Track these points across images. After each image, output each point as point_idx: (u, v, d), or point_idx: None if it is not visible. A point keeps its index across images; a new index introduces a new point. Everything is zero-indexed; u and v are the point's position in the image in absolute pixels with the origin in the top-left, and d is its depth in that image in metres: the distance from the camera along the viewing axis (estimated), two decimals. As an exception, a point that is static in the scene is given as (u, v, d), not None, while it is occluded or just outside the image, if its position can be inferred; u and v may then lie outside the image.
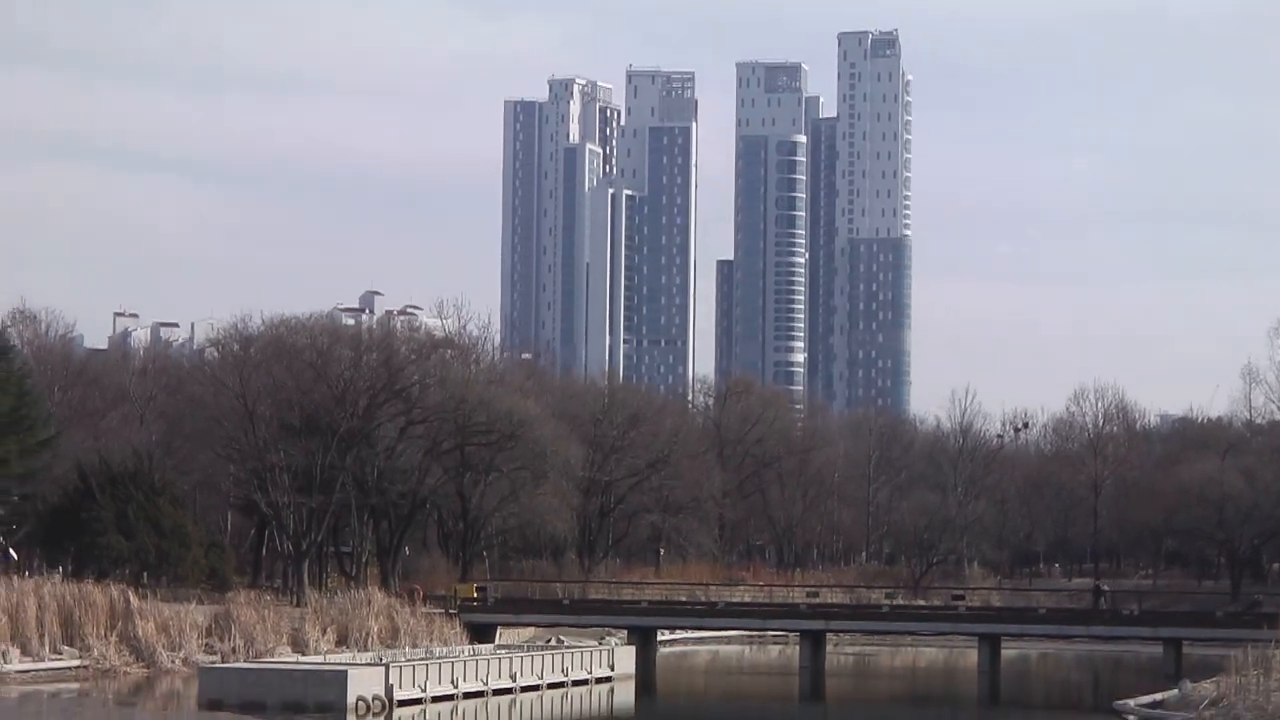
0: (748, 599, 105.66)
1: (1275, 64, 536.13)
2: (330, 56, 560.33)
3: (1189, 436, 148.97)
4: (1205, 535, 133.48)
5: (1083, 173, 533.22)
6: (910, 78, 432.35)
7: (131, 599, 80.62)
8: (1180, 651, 78.80)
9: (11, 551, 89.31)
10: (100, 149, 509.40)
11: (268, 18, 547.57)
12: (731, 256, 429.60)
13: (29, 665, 73.70)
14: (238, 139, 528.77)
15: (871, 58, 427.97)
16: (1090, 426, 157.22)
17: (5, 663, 72.90)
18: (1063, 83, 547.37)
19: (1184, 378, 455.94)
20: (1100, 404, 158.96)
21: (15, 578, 79.07)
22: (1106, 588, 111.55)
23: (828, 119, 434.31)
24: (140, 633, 78.87)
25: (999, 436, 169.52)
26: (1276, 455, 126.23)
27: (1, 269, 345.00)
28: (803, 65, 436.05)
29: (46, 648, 75.75)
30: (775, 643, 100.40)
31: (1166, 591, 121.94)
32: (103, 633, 77.88)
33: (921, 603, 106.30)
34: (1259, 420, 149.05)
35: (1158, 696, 65.36)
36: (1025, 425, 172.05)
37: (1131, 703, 64.40)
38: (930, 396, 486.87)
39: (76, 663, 75.38)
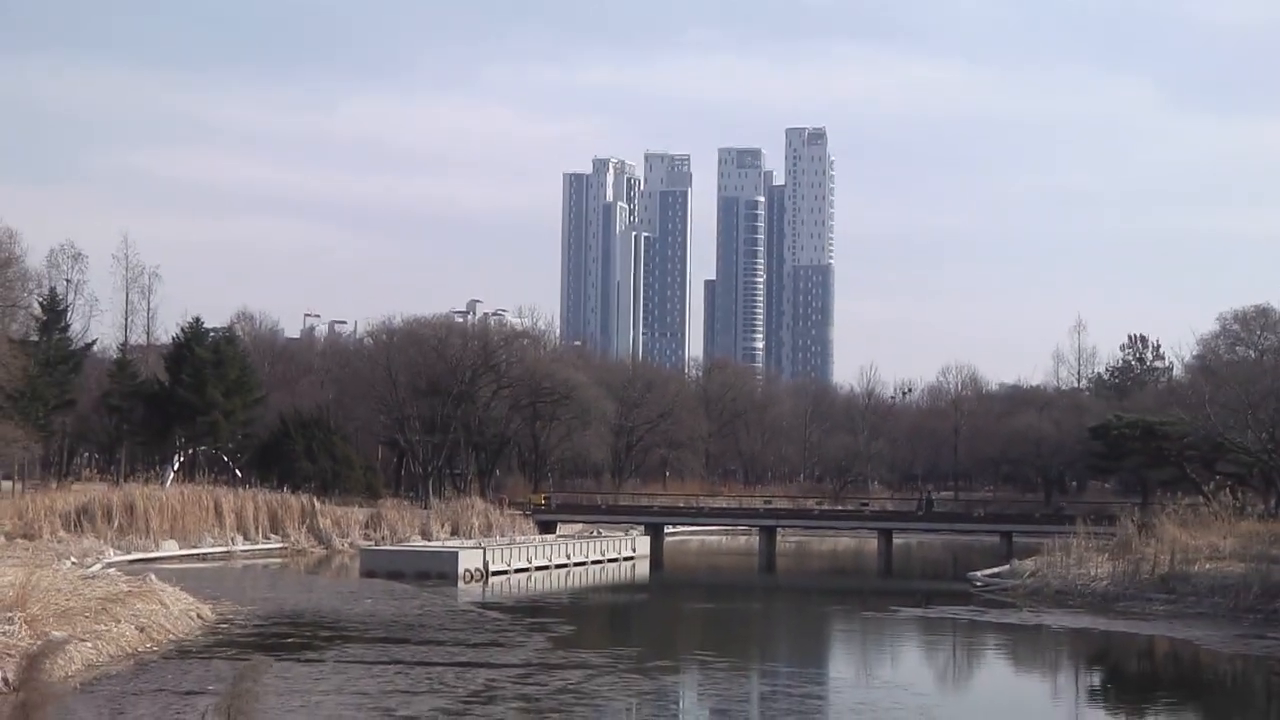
0: (724, 505, 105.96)
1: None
2: (446, 142, 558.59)
3: (1017, 398, 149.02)
4: (1028, 463, 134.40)
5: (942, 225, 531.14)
6: (834, 158, 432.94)
7: (315, 503, 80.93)
8: (1011, 540, 78.86)
9: (238, 472, 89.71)
10: (293, 203, 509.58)
11: (403, 114, 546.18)
12: (715, 277, 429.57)
13: (248, 546, 74.17)
14: (381, 197, 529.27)
15: (808, 144, 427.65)
16: (953, 390, 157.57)
17: (233, 544, 73.40)
18: (952, 156, 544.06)
19: (1016, 357, 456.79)
20: (959, 376, 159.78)
21: (240, 489, 79.44)
22: (933, 495, 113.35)
23: (779, 185, 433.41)
24: (321, 525, 79.22)
25: (892, 397, 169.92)
26: (1073, 410, 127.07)
27: (229, 287, 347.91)
28: (762, 149, 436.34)
29: (260, 535, 76.17)
30: (742, 534, 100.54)
31: (1002, 500, 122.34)
32: (296, 525, 78.24)
33: (840, 507, 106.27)
34: (1063, 387, 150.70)
35: (996, 570, 65.54)
36: (909, 390, 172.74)
37: (978, 574, 64.56)
38: (846, 371, 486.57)
39: (279, 545, 75.79)
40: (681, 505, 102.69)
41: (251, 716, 5.89)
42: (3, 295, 68.39)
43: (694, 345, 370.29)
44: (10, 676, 25.95)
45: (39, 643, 27.77)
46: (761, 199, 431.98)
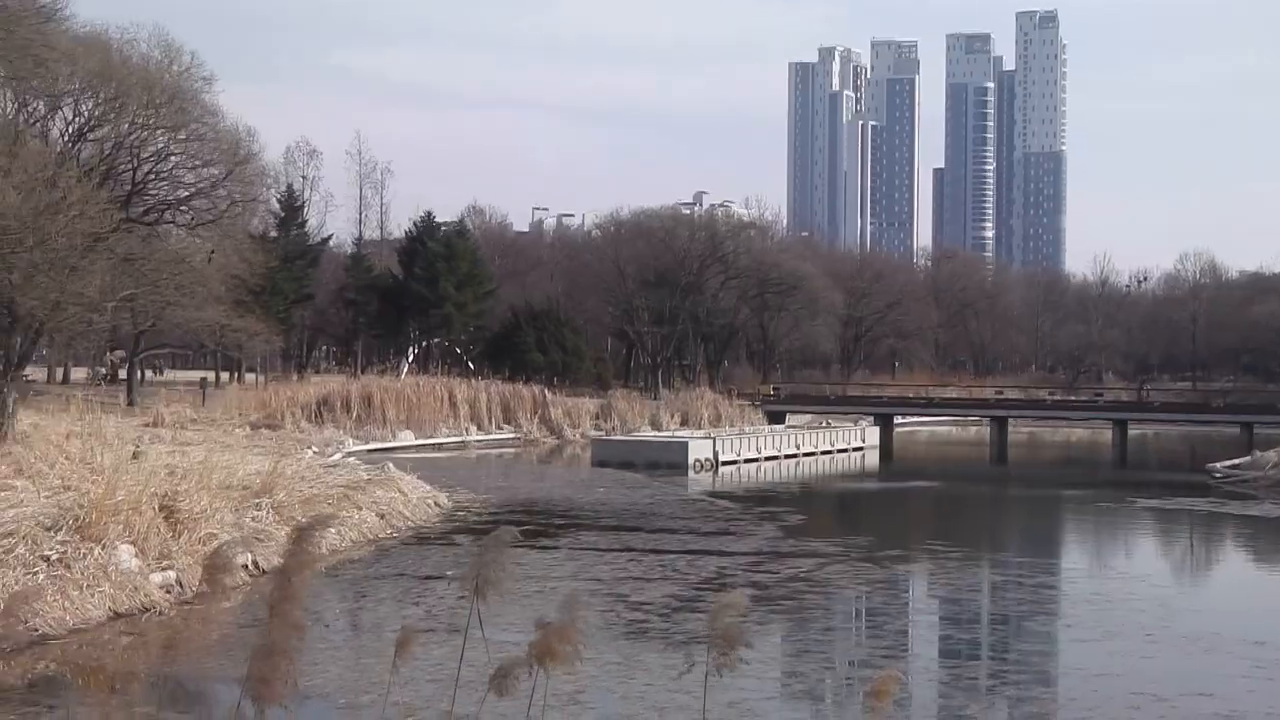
0: (954, 395, 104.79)
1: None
2: (670, 33, 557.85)
3: (1259, 285, 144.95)
4: (1269, 353, 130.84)
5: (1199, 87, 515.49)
6: (1066, 41, 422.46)
7: (546, 394, 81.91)
8: (1252, 432, 76.92)
9: (470, 364, 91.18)
10: (518, 99, 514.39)
11: (629, 13, 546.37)
12: (943, 165, 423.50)
13: (482, 437, 75.38)
14: (611, 94, 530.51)
15: (1039, 28, 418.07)
16: (1190, 278, 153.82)
17: (467, 434, 74.71)
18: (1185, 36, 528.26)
19: (1257, 244, 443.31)
20: (1197, 263, 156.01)
21: (473, 380, 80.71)
22: (1149, 389, 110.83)
23: (1009, 71, 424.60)
24: (552, 415, 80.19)
25: (1127, 286, 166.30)
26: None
27: (463, 183, 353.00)
28: (991, 34, 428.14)
29: (493, 425, 77.38)
30: (973, 425, 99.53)
31: (1243, 389, 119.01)
32: (528, 415, 79.31)
33: (1073, 398, 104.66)
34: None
35: (1236, 461, 63.97)
36: (1145, 278, 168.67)
37: (1218, 465, 63.13)
38: (1079, 260, 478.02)
39: (511, 435, 76.92)
40: (911, 396, 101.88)
41: (499, 585, 5.95)
42: (242, 192, 70.03)
43: (922, 235, 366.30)
44: (259, 561, 26.84)
45: (286, 528, 28.66)
46: (991, 85, 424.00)
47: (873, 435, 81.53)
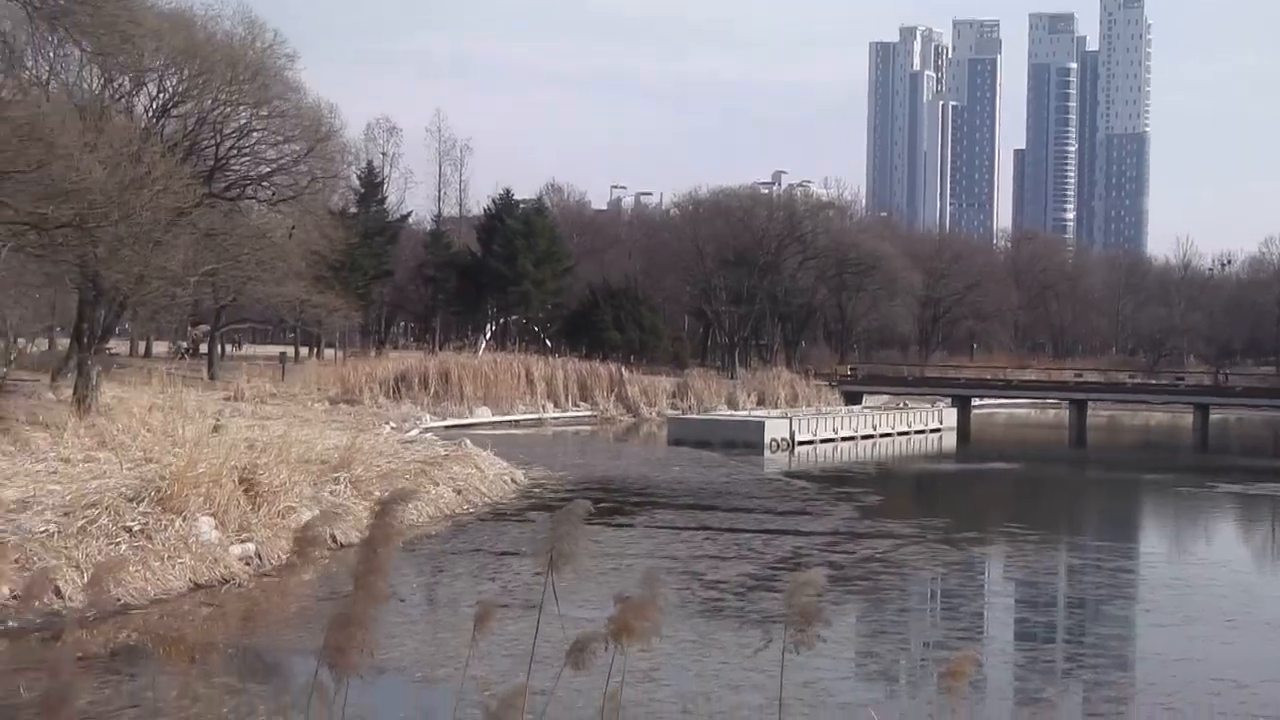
0: (1033, 378, 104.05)
1: None
2: (750, 12, 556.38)
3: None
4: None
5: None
6: (1151, 21, 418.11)
7: (623, 372, 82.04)
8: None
9: (548, 341, 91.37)
10: (596, 78, 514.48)
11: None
12: (1024, 146, 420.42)
13: (558, 414, 75.58)
14: (691, 75, 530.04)
15: (1124, 8, 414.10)
16: (1275, 263, 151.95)
17: (544, 412, 74.93)
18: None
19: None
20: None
21: (551, 358, 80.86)
22: (1228, 374, 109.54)
23: (1092, 51, 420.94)
24: (629, 394, 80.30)
25: (1210, 269, 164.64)
26: None
27: (537, 160, 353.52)
28: (1075, 14, 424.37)
29: (569, 402, 77.56)
30: (1051, 408, 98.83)
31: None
32: (605, 393, 79.45)
33: (1153, 381, 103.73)
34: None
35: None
36: (1228, 262, 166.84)
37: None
38: (1161, 243, 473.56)
39: (588, 413, 77.08)
40: (989, 378, 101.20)
41: (575, 559, 5.97)
42: (323, 168, 70.36)
43: (1002, 216, 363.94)
44: (336, 535, 27.01)
45: (364, 503, 28.86)
46: (1074, 65, 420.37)
47: (950, 417, 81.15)
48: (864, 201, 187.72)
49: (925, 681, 19.08)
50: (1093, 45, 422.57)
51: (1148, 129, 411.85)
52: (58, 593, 20.09)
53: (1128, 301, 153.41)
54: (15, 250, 37.77)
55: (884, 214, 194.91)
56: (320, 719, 5.62)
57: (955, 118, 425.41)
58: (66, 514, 23.26)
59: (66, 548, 21.72)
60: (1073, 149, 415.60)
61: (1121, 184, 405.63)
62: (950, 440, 75.51)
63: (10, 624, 19.37)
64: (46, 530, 22.37)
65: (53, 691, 5.20)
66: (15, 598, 19.58)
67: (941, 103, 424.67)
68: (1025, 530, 36.35)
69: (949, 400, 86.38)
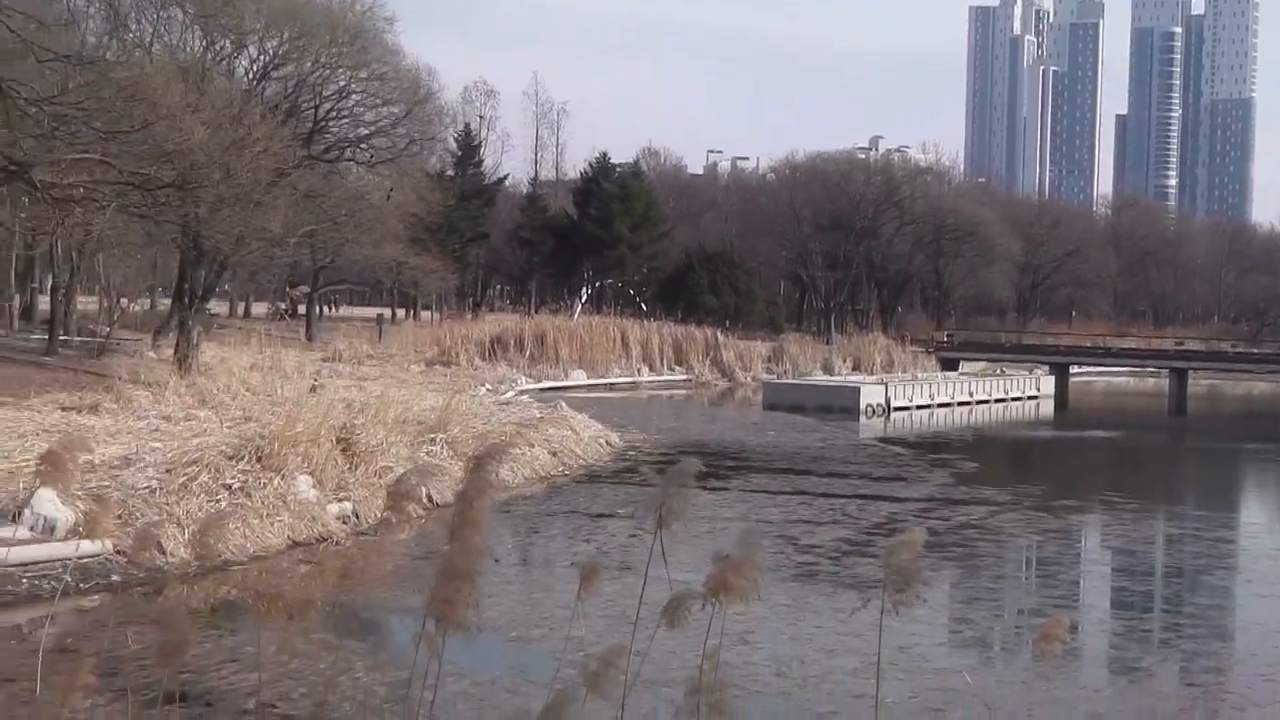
0: (1132, 346, 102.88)
1: None
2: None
3: None
4: None
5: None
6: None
7: (719, 336, 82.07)
8: None
9: (643, 305, 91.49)
10: (693, 41, 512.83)
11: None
12: (1125, 112, 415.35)
13: (654, 378, 75.77)
14: (782, 33, 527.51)
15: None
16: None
17: (639, 375, 75.10)
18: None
19: None
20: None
21: (646, 321, 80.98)
22: None
23: (1197, 15, 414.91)
24: (724, 358, 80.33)
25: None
26: None
27: (634, 124, 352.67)
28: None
29: (664, 366, 77.73)
30: (1151, 376, 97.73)
31: None
32: (700, 357, 79.54)
33: (1256, 350, 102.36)
34: None
35: None
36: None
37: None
38: (1266, 210, 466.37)
39: (683, 377, 77.21)
40: (1088, 345, 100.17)
41: (684, 514, 5.99)
42: (420, 130, 70.78)
43: (1103, 182, 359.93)
44: (433, 495, 27.20)
45: (460, 464, 29.01)
46: (1178, 30, 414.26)
47: (1047, 384, 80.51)
48: (962, 167, 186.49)
49: (1021, 648, 18.98)
50: (1198, 9, 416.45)
51: (1254, 95, 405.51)
52: (160, 548, 20.39)
53: (1230, 269, 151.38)
54: (119, 210, 38.24)
55: (982, 180, 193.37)
56: (425, 672, 5.66)
57: (1056, 83, 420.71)
58: (168, 471, 23.58)
59: (168, 504, 22.02)
60: (1176, 115, 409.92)
61: (1226, 150, 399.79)
62: (1048, 408, 74.92)
63: (114, 578, 19.68)
64: (149, 486, 22.69)
65: (167, 642, 5.28)
66: (119, 552, 19.88)
67: (1042, 68, 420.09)
68: (1123, 499, 36.03)
69: (1046, 368, 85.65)
